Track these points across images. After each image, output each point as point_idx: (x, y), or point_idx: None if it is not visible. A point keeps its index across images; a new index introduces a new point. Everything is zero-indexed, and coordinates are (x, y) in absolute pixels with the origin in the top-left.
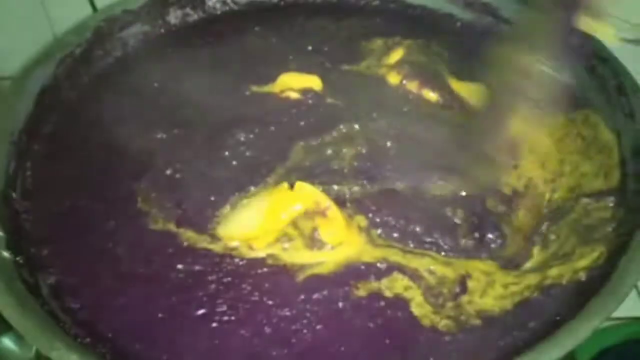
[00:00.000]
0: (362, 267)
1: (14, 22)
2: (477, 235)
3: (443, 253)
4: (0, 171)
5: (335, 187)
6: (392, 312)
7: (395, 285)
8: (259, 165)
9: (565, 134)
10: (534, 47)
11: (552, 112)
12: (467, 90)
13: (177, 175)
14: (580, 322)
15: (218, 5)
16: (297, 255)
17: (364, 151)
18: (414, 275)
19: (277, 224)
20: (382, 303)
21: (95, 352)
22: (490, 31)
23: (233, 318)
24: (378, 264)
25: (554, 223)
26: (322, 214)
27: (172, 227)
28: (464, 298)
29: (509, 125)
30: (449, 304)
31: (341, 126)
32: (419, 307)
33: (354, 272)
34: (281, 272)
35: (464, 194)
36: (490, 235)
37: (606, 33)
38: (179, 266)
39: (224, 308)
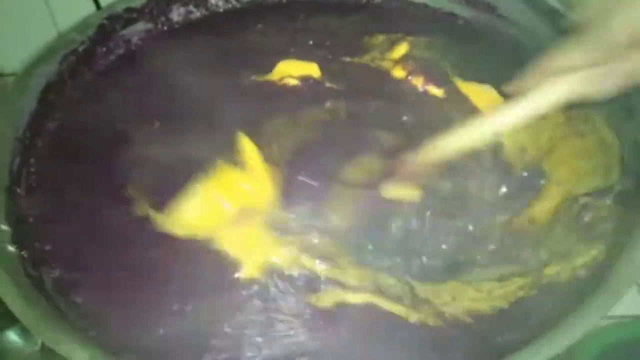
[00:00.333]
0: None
1: (18, 20)
2: None
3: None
4: (4, 167)
5: None
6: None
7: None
8: None
9: (565, 133)
10: None
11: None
12: (473, 92)
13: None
14: (579, 319)
15: (220, 3)
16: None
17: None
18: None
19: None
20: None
21: (100, 346)
22: (492, 30)
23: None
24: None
25: (552, 221)
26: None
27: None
28: (436, 301)
29: None
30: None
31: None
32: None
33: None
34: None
35: None
36: None
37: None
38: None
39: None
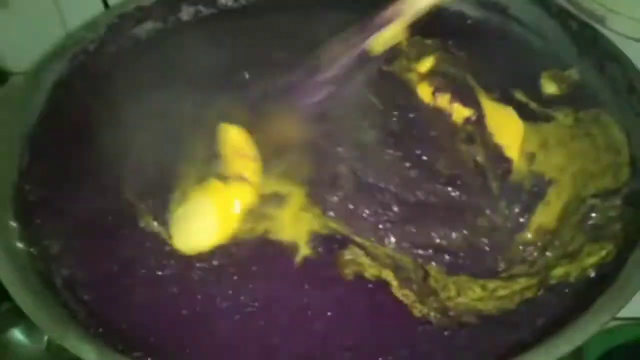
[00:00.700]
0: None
1: (28, 18)
2: None
3: None
4: (14, 164)
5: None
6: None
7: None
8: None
9: (575, 133)
10: None
11: None
12: (495, 115)
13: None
14: (589, 319)
15: (230, 3)
16: None
17: None
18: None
19: (232, 222)
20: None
21: (109, 343)
22: (501, 30)
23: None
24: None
25: (562, 222)
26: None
27: None
28: (442, 294)
29: None
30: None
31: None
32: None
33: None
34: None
35: None
36: None
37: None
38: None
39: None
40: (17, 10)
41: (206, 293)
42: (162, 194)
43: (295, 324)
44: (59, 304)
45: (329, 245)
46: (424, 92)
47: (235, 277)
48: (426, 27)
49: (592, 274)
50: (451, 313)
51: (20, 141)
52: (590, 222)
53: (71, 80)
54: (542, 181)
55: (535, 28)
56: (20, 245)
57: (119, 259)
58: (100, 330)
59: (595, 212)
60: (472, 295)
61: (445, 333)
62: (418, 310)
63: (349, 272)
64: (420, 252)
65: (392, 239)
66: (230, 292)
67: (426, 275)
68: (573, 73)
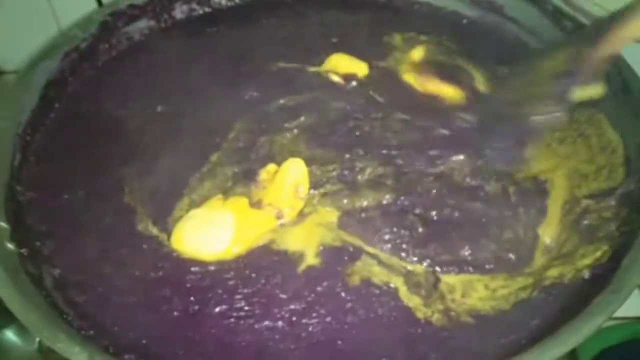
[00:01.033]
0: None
1: (20, 17)
2: None
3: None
4: (5, 164)
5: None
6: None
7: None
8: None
9: (569, 134)
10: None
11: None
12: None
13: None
14: (584, 320)
15: (224, 1)
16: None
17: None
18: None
19: (242, 243)
20: (377, 291)
21: (100, 345)
22: (496, 29)
23: (243, 314)
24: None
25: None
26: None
27: None
28: (448, 296)
29: None
30: (437, 300)
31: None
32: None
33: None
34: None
35: None
36: None
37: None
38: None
39: (242, 304)
40: (11, 8)
41: (200, 296)
42: (168, 201)
43: (292, 329)
44: (49, 306)
45: (339, 255)
46: (412, 79)
47: (230, 282)
48: (422, 25)
49: (587, 275)
50: (452, 314)
51: (12, 140)
52: (585, 222)
53: (63, 79)
54: (541, 181)
55: (531, 28)
56: (10, 245)
57: (112, 261)
58: (92, 332)
59: (592, 212)
60: (476, 295)
61: (444, 334)
62: (422, 312)
63: (356, 278)
64: (445, 268)
65: (414, 258)
66: (225, 296)
67: (437, 281)
68: None
